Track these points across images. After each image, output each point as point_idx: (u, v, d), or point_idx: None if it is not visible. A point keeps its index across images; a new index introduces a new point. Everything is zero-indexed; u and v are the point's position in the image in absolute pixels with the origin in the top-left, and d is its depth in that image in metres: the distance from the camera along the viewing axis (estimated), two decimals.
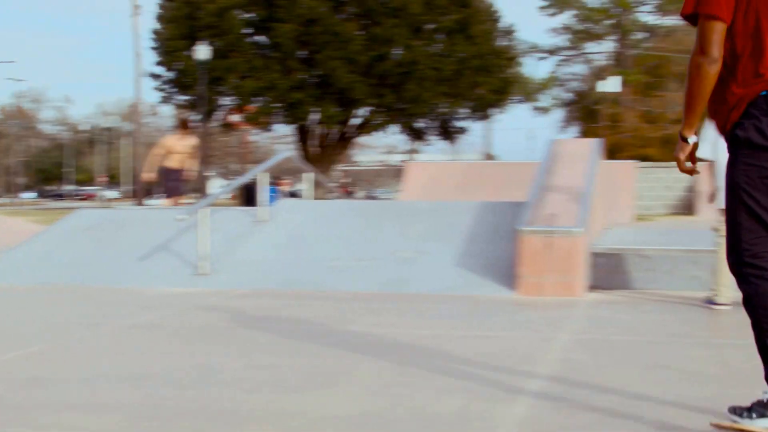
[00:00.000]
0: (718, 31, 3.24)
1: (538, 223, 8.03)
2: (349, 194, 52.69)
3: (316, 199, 15.17)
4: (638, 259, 8.33)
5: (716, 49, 3.24)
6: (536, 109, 67.79)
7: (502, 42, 41.60)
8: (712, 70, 3.25)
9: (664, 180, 22.89)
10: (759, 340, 3.40)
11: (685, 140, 3.45)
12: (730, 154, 3.37)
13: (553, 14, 67.06)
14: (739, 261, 3.39)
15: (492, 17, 40.65)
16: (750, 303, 3.38)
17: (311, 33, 34.04)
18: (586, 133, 61.93)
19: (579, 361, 5.23)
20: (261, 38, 36.10)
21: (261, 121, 36.67)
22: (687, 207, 22.06)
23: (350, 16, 36.02)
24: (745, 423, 3.46)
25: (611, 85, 48.81)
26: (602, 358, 5.30)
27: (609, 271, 8.34)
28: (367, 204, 14.06)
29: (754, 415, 3.45)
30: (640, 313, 7.11)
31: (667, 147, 58.74)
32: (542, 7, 66.67)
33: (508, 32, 43.82)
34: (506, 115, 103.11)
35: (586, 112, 66.76)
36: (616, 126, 58.91)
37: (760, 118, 3.22)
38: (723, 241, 6.99)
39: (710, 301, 7.13)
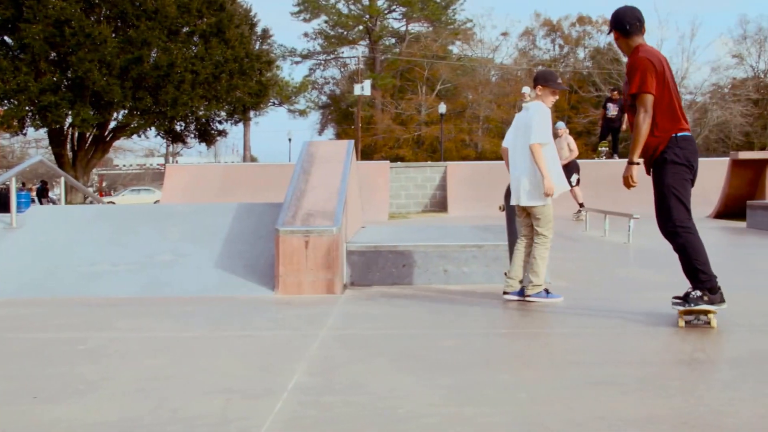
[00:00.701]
0: (650, 100, 5.97)
1: (296, 223, 8.17)
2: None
3: (72, 203, 14.68)
4: (393, 255, 8.64)
5: (650, 109, 5.97)
6: (292, 111, 68.33)
7: (258, 46, 41.73)
8: (648, 120, 5.97)
9: (416, 179, 23.72)
10: (689, 267, 5.96)
11: (634, 164, 6.07)
12: (660, 169, 6.03)
13: (307, 19, 67.82)
14: (673, 225, 5.95)
15: (248, 21, 40.70)
16: (684, 249, 5.94)
17: (63, 34, 32.77)
18: (342, 135, 63.16)
19: (336, 356, 5.40)
20: (7, 39, 34.36)
21: (11, 124, 34.82)
22: (439, 205, 22.98)
23: (103, 18, 34.98)
24: (688, 307, 5.92)
25: (363, 88, 50.03)
26: (359, 352, 5.50)
27: (365, 268, 8.60)
28: (125, 208, 13.72)
29: (691, 305, 5.93)
30: (394, 307, 7.38)
31: (420, 148, 60.90)
32: (294, 13, 67.29)
33: (264, 36, 44.01)
34: (266, 117, 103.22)
35: (341, 115, 68.04)
36: (370, 128, 60.41)
37: (675, 149, 5.99)
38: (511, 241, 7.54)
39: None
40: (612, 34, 6.31)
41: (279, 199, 9.25)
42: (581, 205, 17.03)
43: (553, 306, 7.15)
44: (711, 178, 18.23)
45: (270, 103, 55.24)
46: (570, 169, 15.98)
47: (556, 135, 17.09)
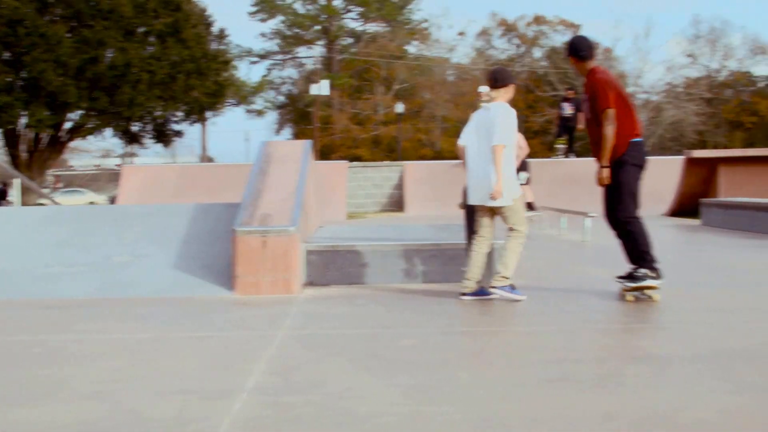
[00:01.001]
0: (613, 113, 7.02)
1: (253, 223, 8.13)
2: None
3: (27, 205, 14.47)
4: (351, 254, 8.63)
5: (613, 120, 7.02)
6: (250, 111, 68.04)
7: (215, 46, 41.52)
8: (613, 129, 7.01)
9: (374, 179, 23.72)
10: (636, 250, 7.05)
11: (606, 167, 7.07)
12: (620, 168, 7.07)
13: (264, 19, 67.54)
14: (628, 215, 7.05)
15: (204, 21, 40.47)
16: (635, 235, 7.05)
17: (16, 34, 32.37)
18: (299, 135, 63.00)
19: (295, 356, 5.38)
20: None
21: None
22: (396, 204, 23.01)
23: (58, 18, 34.60)
24: (637, 284, 7.02)
25: (321, 88, 49.92)
26: (318, 352, 5.48)
27: (324, 268, 8.58)
28: (81, 209, 13.56)
29: (640, 282, 7.00)
30: (353, 306, 7.38)
31: (378, 147, 60.92)
32: (252, 13, 66.99)
33: (221, 36, 43.77)
34: (223, 117, 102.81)
35: (299, 115, 67.86)
36: (327, 128, 60.31)
37: (632, 152, 7.07)
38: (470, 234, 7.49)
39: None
40: (569, 59, 7.45)
41: (236, 200, 9.20)
42: (530, 204, 16.98)
43: (512, 304, 7.19)
44: (665, 176, 18.40)
45: (227, 104, 54.88)
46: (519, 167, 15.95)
47: None
